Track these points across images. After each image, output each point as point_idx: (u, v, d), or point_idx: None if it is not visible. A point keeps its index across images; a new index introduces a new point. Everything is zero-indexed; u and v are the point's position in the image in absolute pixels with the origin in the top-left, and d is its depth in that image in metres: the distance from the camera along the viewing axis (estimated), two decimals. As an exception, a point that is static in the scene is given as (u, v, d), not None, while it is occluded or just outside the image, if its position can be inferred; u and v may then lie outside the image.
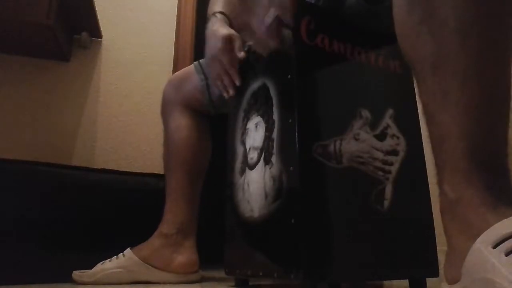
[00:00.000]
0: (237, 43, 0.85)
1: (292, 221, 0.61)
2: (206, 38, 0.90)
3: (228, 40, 0.85)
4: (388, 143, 0.71)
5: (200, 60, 1.05)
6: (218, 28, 0.88)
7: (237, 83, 0.85)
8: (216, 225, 0.92)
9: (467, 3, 0.40)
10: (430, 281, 0.70)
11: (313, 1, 0.86)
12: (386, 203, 0.68)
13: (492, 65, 0.40)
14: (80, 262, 0.93)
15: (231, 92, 0.86)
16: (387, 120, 0.73)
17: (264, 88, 0.75)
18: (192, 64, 1.07)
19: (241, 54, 0.84)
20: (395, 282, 0.98)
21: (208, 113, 1.05)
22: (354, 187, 0.66)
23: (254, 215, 0.71)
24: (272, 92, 0.72)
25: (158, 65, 1.84)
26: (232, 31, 0.87)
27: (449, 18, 0.41)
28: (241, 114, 0.83)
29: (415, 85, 0.75)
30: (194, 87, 1.02)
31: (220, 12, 0.92)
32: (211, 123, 1.08)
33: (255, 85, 0.79)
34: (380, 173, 0.69)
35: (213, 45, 0.87)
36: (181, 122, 1.02)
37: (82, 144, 1.67)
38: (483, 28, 0.40)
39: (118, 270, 0.91)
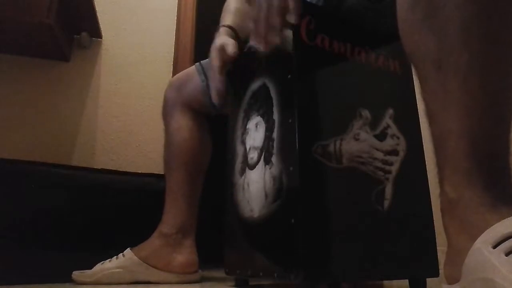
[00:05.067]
0: (229, 47, 0.86)
1: (292, 221, 0.60)
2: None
3: (220, 48, 0.87)
4: (388, 143, 0.71)
5: (202, 61, 1.05)
6: (216, 41, 0.90)
7: (220, 87, 0.86)
8: (216, 225, 0.92)
9: (471, 0, 0.40)
10: (430, 281, 0.70)
11: (313, 1, 0.86)
12: (386, 203, 0.68)
13: (495, 63, 0.40)
14: (80, 262, 0.93)
15: (214, 97, 0.87)
16: (387, 120, 0.73)
17: (264, 88, 0.75)
18: (194, 66, 1.07)
19: (231, 52, 0.86)
20: (395, 282, 0.98)
21: (209, 113, 1.05)
22: (354, 187, 0.66)
23: (254, 215, 0.71)
24: (272, 92, 0.72)
25: (158, 65, 1.84)
26: (226, 40, 0.89)
27: (452, 15, 0.40)
28: (241, 114, 0.83)
29: (415, 84, 0.76)
30: (195, 88, 1.02)
31: (224, 25, 0.95)
32: (211, 123, 1.08)
33: (255, 85, 0.79)
34: (380, 173, 0.69)
35: (211, 56, 0.90)
36: (182, 123, 1.02)
37: (82, 144, 1.67)
38: (486, 26, 0.40)
39: (118, 270, 0.91)
